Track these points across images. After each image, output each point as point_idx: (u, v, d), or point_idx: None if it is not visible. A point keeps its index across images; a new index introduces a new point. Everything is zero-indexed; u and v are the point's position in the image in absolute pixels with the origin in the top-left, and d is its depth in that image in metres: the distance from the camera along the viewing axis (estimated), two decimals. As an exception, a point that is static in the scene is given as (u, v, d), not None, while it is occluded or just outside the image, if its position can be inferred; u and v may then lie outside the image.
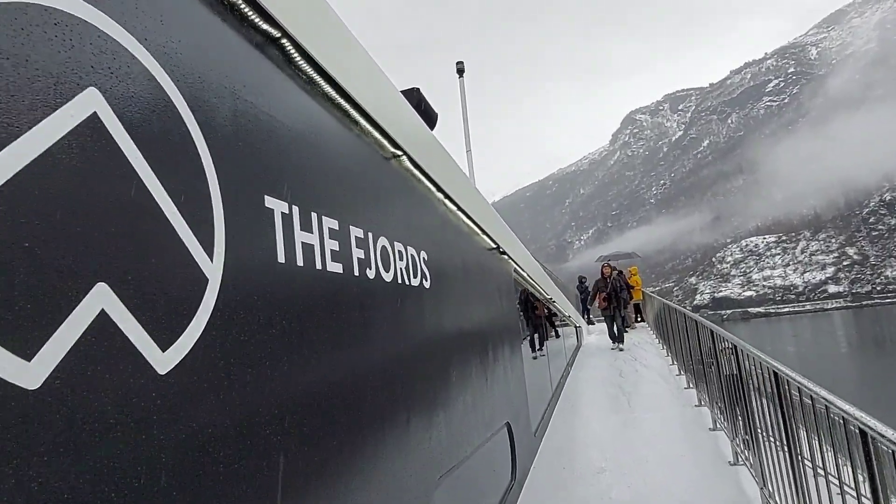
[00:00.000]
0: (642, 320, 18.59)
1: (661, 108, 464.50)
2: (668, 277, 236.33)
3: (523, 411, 5.26)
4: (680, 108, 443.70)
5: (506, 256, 5.47)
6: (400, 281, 2.34)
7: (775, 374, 3.30)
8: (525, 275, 6.94)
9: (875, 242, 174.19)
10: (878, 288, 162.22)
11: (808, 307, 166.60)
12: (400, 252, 2.38)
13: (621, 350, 12.69)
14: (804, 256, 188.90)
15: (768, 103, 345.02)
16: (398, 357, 2.28)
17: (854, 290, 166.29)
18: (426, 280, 2.73)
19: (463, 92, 6.57)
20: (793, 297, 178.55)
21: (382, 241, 2.20)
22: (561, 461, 5.67)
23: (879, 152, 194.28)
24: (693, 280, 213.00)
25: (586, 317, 20.81)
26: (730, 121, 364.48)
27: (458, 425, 3.02)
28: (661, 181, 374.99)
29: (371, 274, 2.05)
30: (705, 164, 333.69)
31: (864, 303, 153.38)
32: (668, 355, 11.04)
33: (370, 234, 2.09)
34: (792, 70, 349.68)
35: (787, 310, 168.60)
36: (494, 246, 4.90)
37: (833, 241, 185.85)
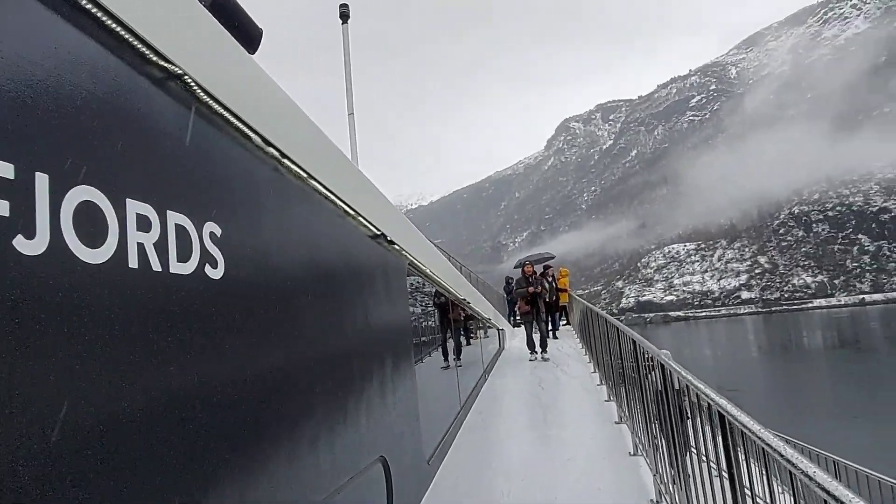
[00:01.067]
0: (568, 323, 18.21)
1: (594, 117, 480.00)
2: (596, 281, 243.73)
3: (411, 438, 4.24)
4: (611, 118, 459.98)
5: (396, 247, 4.30)
6: (136, 264, 1.50)
7: (721, 415, 2.49)
8: (428, 271, 5.83)
9: (784, 252, 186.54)
10: (786, 295, 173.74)
11: (723, 312, 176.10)
12: (144, 218, 1.55)
13: (546, 360, 11.51)
14: (720, 264, 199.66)
15: (691, 118, 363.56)
16: (128, 392, 1.39)
17: (764, 297, 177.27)
18: (214, 267, 1.79)
19: (346, 42, 5.17)
20: (710, 302, 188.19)
21: (86, 192, 1.37)
22: (456, 496, 4.75)
23: (790, 169, 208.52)
24: (620, 284, 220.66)
25: (512, 319, 20.14)
26: (656, 133, 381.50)
27: (278, 485, 2.04)
28: (592, 188, 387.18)
29: (37, 246, 1.22)
30: (633, 174, 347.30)
31: (773, 309, 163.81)
32: (590, 361, 10.38)
33: (46, 178, 1.25)
34: (713, 87, 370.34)
35: (704, 314, 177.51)
36: (377, 233, 3.78)
37: (747, 250, 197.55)
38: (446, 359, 6.79)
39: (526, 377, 10.07)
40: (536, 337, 11.92)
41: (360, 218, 3.41)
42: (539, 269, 20.60)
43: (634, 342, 4.91)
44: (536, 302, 11.75)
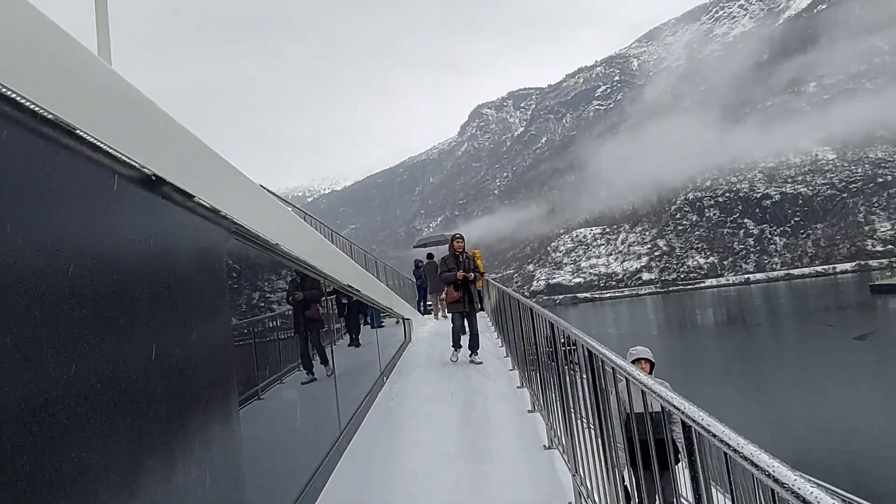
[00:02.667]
0: (482, 309, 17.19)
1: (506, 104, 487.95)
2: (509, 265, 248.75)
3: None
4: (522, 105, 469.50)
5: (202, 205, 2.56)
6: None
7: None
8: (281, 247, 3.83)
9: (680, 236, 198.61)
10: (682, 276, 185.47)
11: (626, 293, 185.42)
12: None
13: (478, 363, 9.03)
14: (624, 247, 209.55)
15: (597, 107, 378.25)
16: None
17: (663, 278, 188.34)
18: None
19: None
20: (614, 283, 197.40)
21: None
22: None
23: (685, 157, 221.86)
24: (531, 267, 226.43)
25: (421, 306, 18.62)
26: (564, 121, 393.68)
27: None
28: (504, 173, 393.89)
29: None
30: (543, 160, 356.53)
31: (671, 288, 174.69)
32: (507, 356, 8.98)
33: None
34: (617, 78, 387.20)
35: (608, 295, 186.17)
36: (146, 175, 2.07)
37: (647, 233, 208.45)
38: (311, 371, 4.63)
39: (433, 379, 8.61)
40: (465, 338, 9.37)
41: (107, 148, 1.79)
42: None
43: (591, 353, 2.91)
44: (469, 288, 9.21)
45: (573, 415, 3.67)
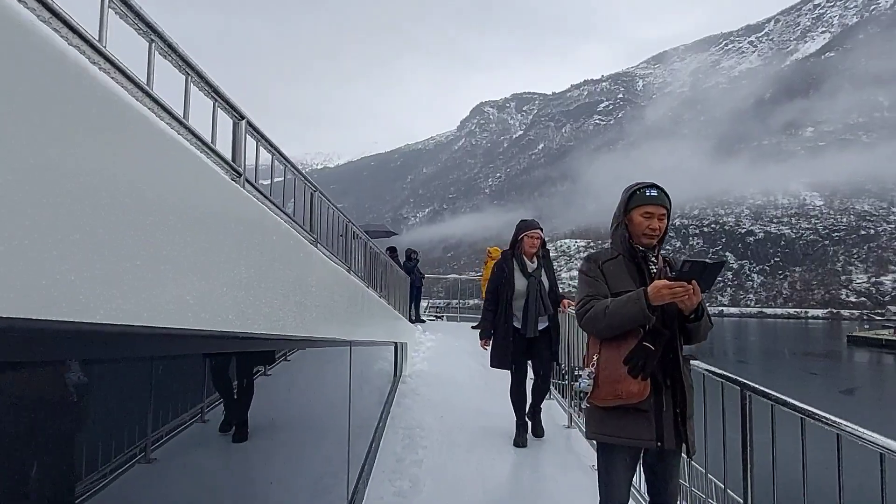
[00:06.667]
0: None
1: (508, 105, 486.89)
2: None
3: None
4: (524, 108, 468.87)
5: None
6: None
7: None
8: None
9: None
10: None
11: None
12: None
13: (539, 436, 4.70)
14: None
15: (597, 121, 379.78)
16: None
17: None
18: None
19: None
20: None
21: None
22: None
23: (677, 183, 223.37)
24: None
25: (412, 312, 13.08)
26: (564, 130, 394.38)
27: None
28: (497, 174, 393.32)
29: None
30: (537, 166, 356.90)
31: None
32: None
33: None
34: (621, 96, 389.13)
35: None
36: None
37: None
38: None
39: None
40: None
41: None
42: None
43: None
44: (679, 365, 2.37)
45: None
